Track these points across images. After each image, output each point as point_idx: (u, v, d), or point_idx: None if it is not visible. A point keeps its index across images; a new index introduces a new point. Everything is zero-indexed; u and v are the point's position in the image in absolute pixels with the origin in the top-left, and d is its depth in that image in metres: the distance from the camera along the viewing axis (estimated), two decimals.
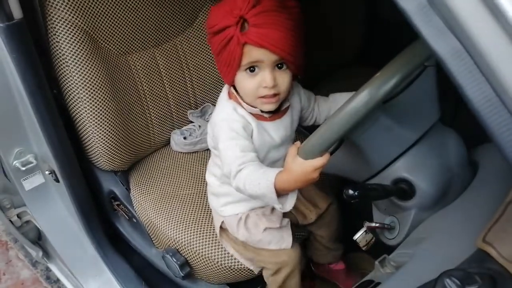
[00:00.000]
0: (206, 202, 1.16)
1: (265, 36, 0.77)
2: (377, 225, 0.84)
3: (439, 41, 0.39)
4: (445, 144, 0.83)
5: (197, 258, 1.11)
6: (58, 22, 1.07)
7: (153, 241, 1.23)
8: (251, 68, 0.81)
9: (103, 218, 1.31)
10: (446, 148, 0.82)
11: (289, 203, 0.82)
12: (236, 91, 0.88)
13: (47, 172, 1.20)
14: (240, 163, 0.82)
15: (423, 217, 0.80)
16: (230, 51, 0.80)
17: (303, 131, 1.19)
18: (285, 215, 1.04)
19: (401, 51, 0.71)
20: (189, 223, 1.13)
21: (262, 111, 0.87)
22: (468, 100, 0.39)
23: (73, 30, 1.09)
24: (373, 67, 0.75)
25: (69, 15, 1.08)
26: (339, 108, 0.71)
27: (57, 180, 1.19)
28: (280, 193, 0.79)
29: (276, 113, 0.90)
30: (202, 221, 1.14)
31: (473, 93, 0.38)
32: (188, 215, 1.15)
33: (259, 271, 1.07)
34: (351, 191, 0.73)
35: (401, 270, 0.68)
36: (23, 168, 1.18)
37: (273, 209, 1.02)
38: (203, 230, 1.12)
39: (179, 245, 1.13)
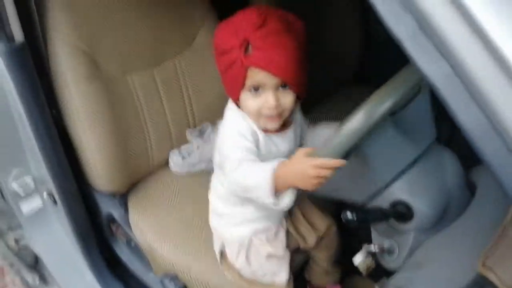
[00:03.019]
0: (206, 225, 1.14)
1: (269, 59, 0.77)
2: (377, 248, 0.83)
3: (431, 66, 0.39)
4: (442, 164, 0.82)
5: (196, 284, 1.09)
6: (59, 44, 1.08)
7: (152, 265, 1.21)
8: (255, 88, 0.82)
9: (101, 242, 1.30)
10: (443, 169, 0.82)
11: (284, 200, 0.80)
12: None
13: (45, 194, 1.20)
14: (241, 158, 0.82)
15: (422, 239, 0.79)
16: (234, 73, 0.80)
17: None
18: (286, 239, 1.02)
19: (399, 69, 0.72)
20: (188, 247, 1.12)
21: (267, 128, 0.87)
22: (460, 125, 0.39)
23: (73, 51, 1.10)
24: (371, 86, 0.76)
25: (70, 37, 1.09)
26: (354, 111, 0.72)
27: (55, 202, 1.18)
28: (278, 188, 0.78)
29: (281, 127, 0.89)
30: (202, 246, 1.11)
31: (465, 118, 0.38)
32: (187, 239, 1.14)
33: None
34: (349, 214, 0.72)
35: None
36: (21, 190, 1.18)
37: (276, 234, 1.00)
38: (203, 255, 1.10)
39: (177, 269, 1.11)
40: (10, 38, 0.97)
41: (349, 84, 1.70)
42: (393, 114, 0.74)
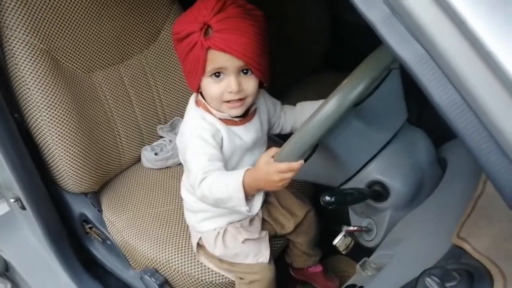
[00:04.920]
0: (182, 218, 1.14)
1: (229, 41, 0.77)
2: (355, 228, 0.85)
3: (404, 48, 0.40)
4: (414, 143, 0.85)
5: (177, 276, 1.08)
6: (16, 44, 1.03)
7: (130, 262, 1.20)
8: (216, 74, 0.82)
9: (75, 243, 1.26)
10: (415, 148, 0.85)
11: (256, 205, 0.82)
12: (204, 97, 0.88)
13: (12, 200, 1.15)
14: (206, 171, 0.82)
15: (399, 217, 0.81)
16: (195, 56, 0.80)
17: (273, 137, 1.19)
18: (263, 226, 1.04)
19: (367, 55, 0.73)
20: (166, 241, 1.11)
21: (231, 116, 0.87)
22: (435, 104, 0.40)
23: (32, 51, 1.05)
24: (339, 72, 0.77)
25: (27, 35, 1.04)
26: (312, 114, 0.72)
27: (23, 208, 1.14)
28: (247, 194, 0.79)
29: (245, 117, 0.90)
30: (179, 238, 1.11)
31: (440, 97, 0.39)
32: (164, 232, 1.13)
33: None
34: (328, 198, 0.74)
35: (383, 272, 0.69)
36: None
37: (251, 220, 1.02)
38: (181, 247, 1.10)
39: (157, 264, 1.10)
40: None
41: (318, 70, 1.72)
42: (357, 105, 0.74)
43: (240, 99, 0.84)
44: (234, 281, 1.07)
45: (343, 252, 0.88)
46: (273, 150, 0.78)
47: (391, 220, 0.81)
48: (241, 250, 0.99)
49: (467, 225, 0.60)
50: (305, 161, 0.78)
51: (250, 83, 0.83)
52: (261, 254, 1.00)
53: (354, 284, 0.75)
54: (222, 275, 1.06)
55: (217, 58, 0.79)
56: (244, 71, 0.82)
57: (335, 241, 0.85)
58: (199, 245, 1.05)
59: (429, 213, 0.76)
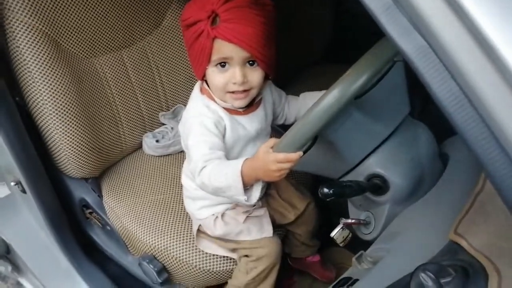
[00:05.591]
0: (182, 205, 1.14)
1: (235, 31, 0.76)
2: (353, 221, 0.85)
3: (405, 39, 0.39)
4: (415, 138, 0.84)
5: (175, 263, 1.09)
6: (17, 26, 1.02)
7: (129, 248, 1.20)
8: (222, 64, 0.81)
9: (75, 228, 1.27)
10: (417, 142, 0.84)
11: (254, 195, 0.82)
12: (209, 86, 0.87)
13: (12, 183, 1.15)
14: (206, 160, 0.82)
15: (397, 211, 0.81)
16: (201, 45, 0.80)
17: (277, 128, 1.19)
18: None
19: (371, 47, 0.72)
20: (165, 228, 1.11)
21: (234, 107, 0.87)
22: (435, 97, 0.39)
23: (34, 33, 1.04)
24: (342, 64, 0.76)
25: (29, 18, 1.03)
26: (312, 105, 0.72)
27: (23, 191, 1.15)
28: (245, 184, 0.79)
29: (249, 107, 0.90)
30: (178, 225, 1.12)
31: (440, 90, 0.38)
32: (164, 220, 1.13)
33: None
34: (326, 189, 0.73)
35: (378, 265, 0.69)
36: None
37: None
38: (180, 235, 1.10)
39: (155, 251, 1.11)
40: None
41: (321, 62, 1.70)
42: (358, 97, 0.73)
43: (244, 91, 0.83)
44: (231, 270, 1.07)
45: (341, 245, 0.88)
46: (273, 140, 0.77)
47: (390, 213, 0.81)
48: (244, 227, 0.99)
49: (465, 222, 0.60)
50: (305, 152, 0.78)
51: (255, 75, 0.82)
52: (264, 229, 1.00)
53: (349, 277, 0.75)
54: (220, 263, 1.07)
55: (223, 48, 0.78)
56: (250, 62, 0.81)
57: (333, 234, 0.85)
58: (199, 231, 1.05)
59: (427, 208, 0.76)
